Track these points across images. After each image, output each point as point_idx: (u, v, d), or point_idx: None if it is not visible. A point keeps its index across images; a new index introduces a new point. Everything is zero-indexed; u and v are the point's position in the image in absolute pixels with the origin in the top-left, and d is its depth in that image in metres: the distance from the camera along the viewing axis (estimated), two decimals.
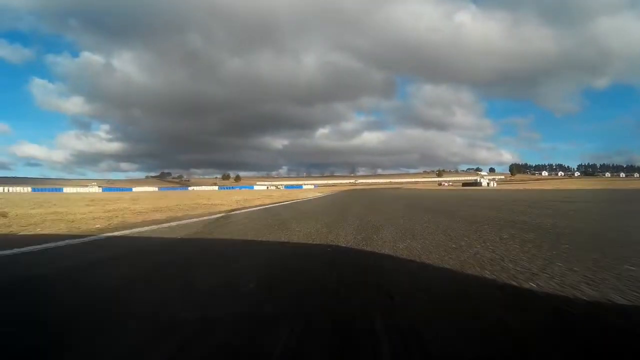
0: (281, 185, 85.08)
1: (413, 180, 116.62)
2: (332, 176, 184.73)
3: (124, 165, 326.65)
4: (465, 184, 57.25)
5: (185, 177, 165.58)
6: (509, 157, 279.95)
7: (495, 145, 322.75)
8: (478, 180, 56.37)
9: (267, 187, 71.76)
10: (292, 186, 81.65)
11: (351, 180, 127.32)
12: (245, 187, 71.52)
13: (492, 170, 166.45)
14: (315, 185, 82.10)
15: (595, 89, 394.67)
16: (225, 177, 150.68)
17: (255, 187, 71.12)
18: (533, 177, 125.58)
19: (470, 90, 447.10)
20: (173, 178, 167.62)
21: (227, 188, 73.59)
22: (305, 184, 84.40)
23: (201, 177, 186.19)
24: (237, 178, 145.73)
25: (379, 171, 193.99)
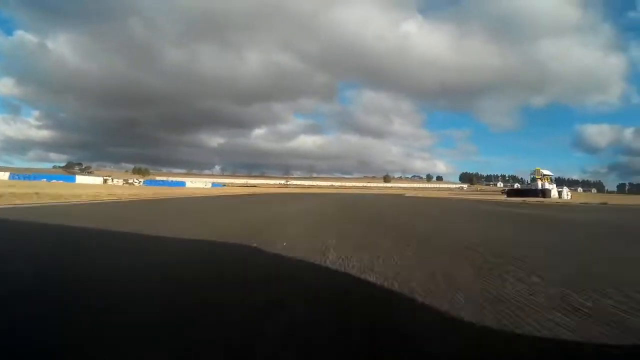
0: (140, 180, 66.91)
1: (355, 184, 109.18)
2: (262, 176, 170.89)
3: (53, 155, 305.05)
4: (511, 191, 40.02)
5: (92, 168, 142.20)
6: (443, 167, 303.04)
7: (431, 155, 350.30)
8: (540, 187, 31.64)
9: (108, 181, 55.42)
10: (172, 182, 65.49)
11: (282, 182, 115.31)
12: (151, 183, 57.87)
13: (439, 178, 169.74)
14: (220, 184, 66.98)
15: (533, 107, 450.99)
16: (137, 170, 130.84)
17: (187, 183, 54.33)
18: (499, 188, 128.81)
19: (410, 99, 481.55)
20: (81, 169, 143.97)
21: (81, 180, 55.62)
22: (206, 182, 69.09)
23: (112, 169, 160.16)
24: (146, 172, 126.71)
25: (314, 175, 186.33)
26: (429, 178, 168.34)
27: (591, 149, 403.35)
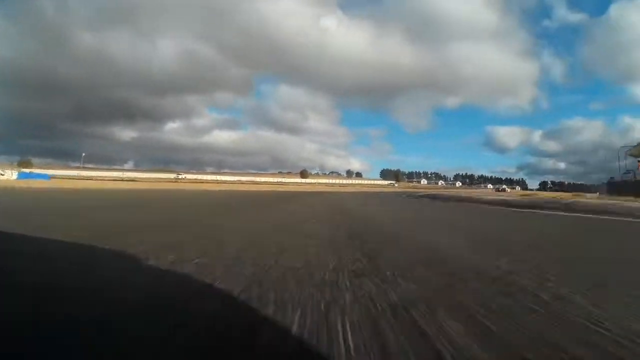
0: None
1: (269, 180, 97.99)
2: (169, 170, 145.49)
3: None
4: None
5: None
6: (357, 165, 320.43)
7: (346, 153, 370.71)
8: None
9: None
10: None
11: (173, 176, 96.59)
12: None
13: (358, 175, 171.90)
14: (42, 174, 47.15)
15: (447, 107, 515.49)
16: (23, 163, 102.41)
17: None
18: (443, 186, 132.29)
19: (327, 96, 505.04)
20: None
21: None
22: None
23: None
24: (29, 164, 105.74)
25: (226, 170, 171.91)
26: (349, 174, 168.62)
27: (501, 149, 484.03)
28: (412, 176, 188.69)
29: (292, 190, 27.09)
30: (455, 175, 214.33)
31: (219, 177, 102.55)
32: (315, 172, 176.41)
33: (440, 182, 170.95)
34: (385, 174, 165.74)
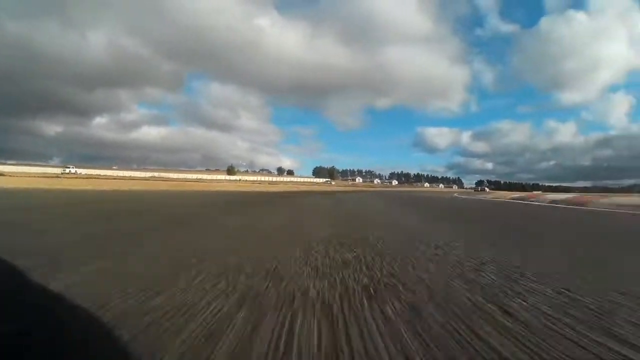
0: None
1: (202, 177, 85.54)
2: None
3: None
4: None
5: None
6: (288, 163, 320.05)
7: (277, 151, 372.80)
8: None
9: None
10: None
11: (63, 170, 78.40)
12: None
13: (289, 172, 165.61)
14: None
15: (379, 108, 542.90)
16: None
17: None
18: (370, 184, 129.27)
19: (259, 94, 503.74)
20: None
21: None
22: None
23: None
24: None
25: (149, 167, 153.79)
26: (280, 172, 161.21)
27: (431, 149, 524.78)
28: (346, 174, 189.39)
29: (198, 189, 19.49)
30: (390, 174, 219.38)
31: (121, 173, 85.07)
32: (245, 169, 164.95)
33: (376, 181, 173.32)
34: (318, 172, 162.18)
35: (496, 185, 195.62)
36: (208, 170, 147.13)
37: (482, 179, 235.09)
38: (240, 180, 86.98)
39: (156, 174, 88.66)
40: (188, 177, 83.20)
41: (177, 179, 71.07)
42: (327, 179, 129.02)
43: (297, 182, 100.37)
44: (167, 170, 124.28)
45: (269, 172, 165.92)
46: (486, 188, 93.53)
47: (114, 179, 47.88)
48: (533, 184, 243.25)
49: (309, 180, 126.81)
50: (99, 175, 68.97)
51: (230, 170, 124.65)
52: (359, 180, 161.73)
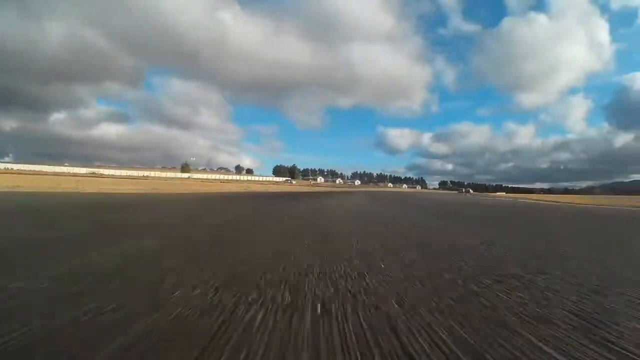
0: None
1: (160, 175, 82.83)
2: None
3: None
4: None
5: None
6: (249, 162, 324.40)
7: (238, 150, 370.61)
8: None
9: None
10: None
11: None
12: None
13: (249, 171, 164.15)
14: None
15: (340, 107, 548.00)
16: None
17: None
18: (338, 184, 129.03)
19: (220, 91, 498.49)
20: None
21: None
22: None
23: None
24: None
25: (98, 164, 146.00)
26: (238, 170, 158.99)
27: (392, 150, 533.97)
28: (307, 173, 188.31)
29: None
30: (353, 174, 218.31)
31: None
32: (202, 167, 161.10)
33: (338, 180, 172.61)
34: (278, 171, 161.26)
35: (460, 186, 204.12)
36: (164, 168, 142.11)
37: (445, 180, 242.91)
38: (188, 177, 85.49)
39: (98, 171, 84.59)
40: (133, 175, 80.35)
41: (111, 175, 68.38)
42: (287, 178, 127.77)
43: (254, 181, 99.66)
44: (122, 167, 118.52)
45: (228, 171, 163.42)
46: (470, 190, 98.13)
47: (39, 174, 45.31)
48: (496, 185, 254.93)
49: (268, 179, 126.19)
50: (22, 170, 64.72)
51: (185, 168, 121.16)
52: (320, 180, 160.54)
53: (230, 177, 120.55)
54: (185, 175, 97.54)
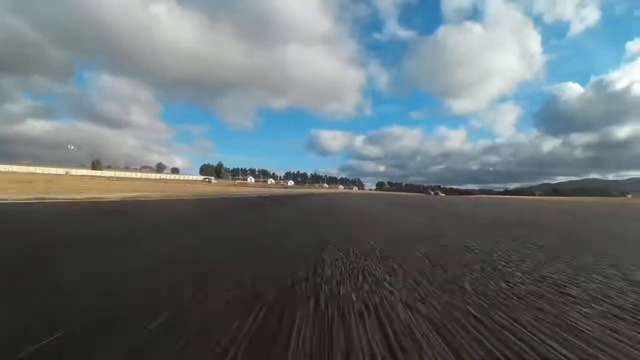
0: None
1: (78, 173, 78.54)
2: None
3: None
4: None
5: None
6: (180, 163, 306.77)
7: (169, 150, 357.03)
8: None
9: None
10: None
11: None
12: None
13: (176, 170, 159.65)
14: None
15: (273, 108, 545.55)
16: None
17: None
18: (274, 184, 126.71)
19: (151, 88, 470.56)
20: None
21: None
22: None
23: None
24: None
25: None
26: (159, 168, 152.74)
27: (324, 152, 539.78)
28: (237, 173, 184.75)
29: None
30: (286, 174, 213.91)
31: None
32: (124, 166, 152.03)
33: (270, 180, 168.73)
34: (205, 170, 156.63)
35: (398, 187, 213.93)
36: (84, 167, 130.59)
37: (382, 181, 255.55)
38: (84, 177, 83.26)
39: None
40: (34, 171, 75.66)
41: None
42: (206, 177, 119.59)
43: (168, 179, 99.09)
44: (44, 165, 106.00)
45: (151, 169, 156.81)
46: (439, 192, 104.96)
47: None
48: (427, 186, 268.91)
49: (189, 178, 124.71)
50: None
51: (96, 165, 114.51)
52: (251, 179, 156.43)
53: (153, 175, 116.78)
54: (100, 173, 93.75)
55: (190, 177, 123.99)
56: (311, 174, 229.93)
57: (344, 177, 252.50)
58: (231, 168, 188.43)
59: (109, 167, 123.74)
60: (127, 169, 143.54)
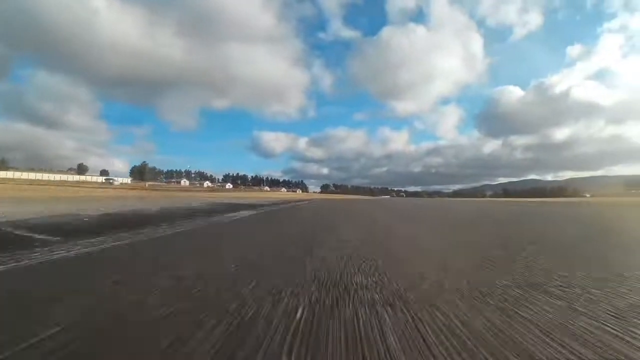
0: None
1: None
2: None
3: None
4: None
5: None
6: (121, 165, 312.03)
7: (109, 152, 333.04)
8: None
9: None
10: None
11: None
12: None
13: (105, 172, 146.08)
14: None
15: (216, 109, 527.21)
16: None
17: None
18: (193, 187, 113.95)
19: (91, 87, 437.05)
20: None
21: None
22: None
23: None
24: None
25: None
26: (80, 170, 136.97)
27: (267, 154, 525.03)
28: (172, 175, 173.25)
29: None
30: (225, 176, 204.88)
31: None
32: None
33: (207, 183, 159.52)
34: (137, 172, 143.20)
35: (344, 190, 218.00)
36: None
37: (327, 183, 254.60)
38: None
39: None
40: None
41: None
42: (108, 178, 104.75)
43: (72, 182, 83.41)
44: None
45: (70, 170, 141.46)
46: (403, 194, 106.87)
47: None
48: (374, 188, 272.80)
49: (85, 179, 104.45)
50: None
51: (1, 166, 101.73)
52: (184, 182, 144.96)
53: (71, 177, 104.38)
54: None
55: (96, 179, 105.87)
56: (252, 177, 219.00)
57: (286, 180, 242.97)
58: (165, 170, 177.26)
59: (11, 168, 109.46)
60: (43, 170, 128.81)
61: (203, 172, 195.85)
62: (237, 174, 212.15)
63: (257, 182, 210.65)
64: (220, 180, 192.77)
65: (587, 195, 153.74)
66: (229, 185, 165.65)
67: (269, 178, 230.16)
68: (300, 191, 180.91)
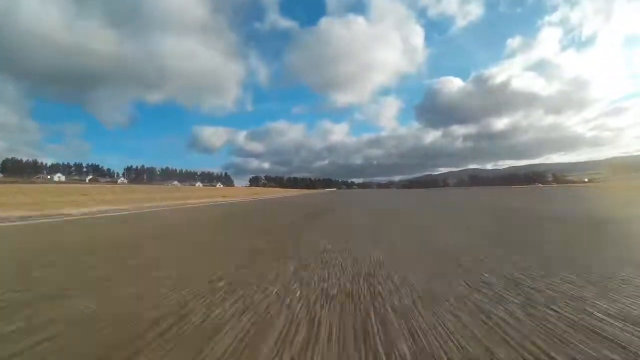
0: None
1: None
2: None
3: None
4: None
5: None
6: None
7: (41, 152, 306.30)
8: None
9: None
10: None
11: None
12: None
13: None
14: None
15: (150, 104, 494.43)
16: None
17: None
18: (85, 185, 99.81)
19: (18, 84, 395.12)
20: None
21: None
22: None
23: None
24: None
25: None
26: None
27: (206, 149, 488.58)
28: (55, 169, 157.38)
29: None
30: (127, 169, 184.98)
31: None
32: None
33: (120, 180, 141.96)
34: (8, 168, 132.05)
35: (279, 183, 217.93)
36: None
37: (259, 176, 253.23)
38: None
39: None
40: None
41: None
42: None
43: None
44: None
45: None
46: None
47: None
48: (315, 179, 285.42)
49: None
50: None
51: None
52: (59, 177, 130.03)
53: None
54: None
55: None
56: (160, 169, 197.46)
57: (221, 174, 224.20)
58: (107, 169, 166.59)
59: None
60: None
61: (106, 169, 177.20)
62: (143, 166, 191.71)
63: (188, 177, 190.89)
64: (118, 175, 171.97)
65: (586, 180, 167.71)
66: (125, 180, 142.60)
67: (205, 172, 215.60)
68: (221, 184, 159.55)
